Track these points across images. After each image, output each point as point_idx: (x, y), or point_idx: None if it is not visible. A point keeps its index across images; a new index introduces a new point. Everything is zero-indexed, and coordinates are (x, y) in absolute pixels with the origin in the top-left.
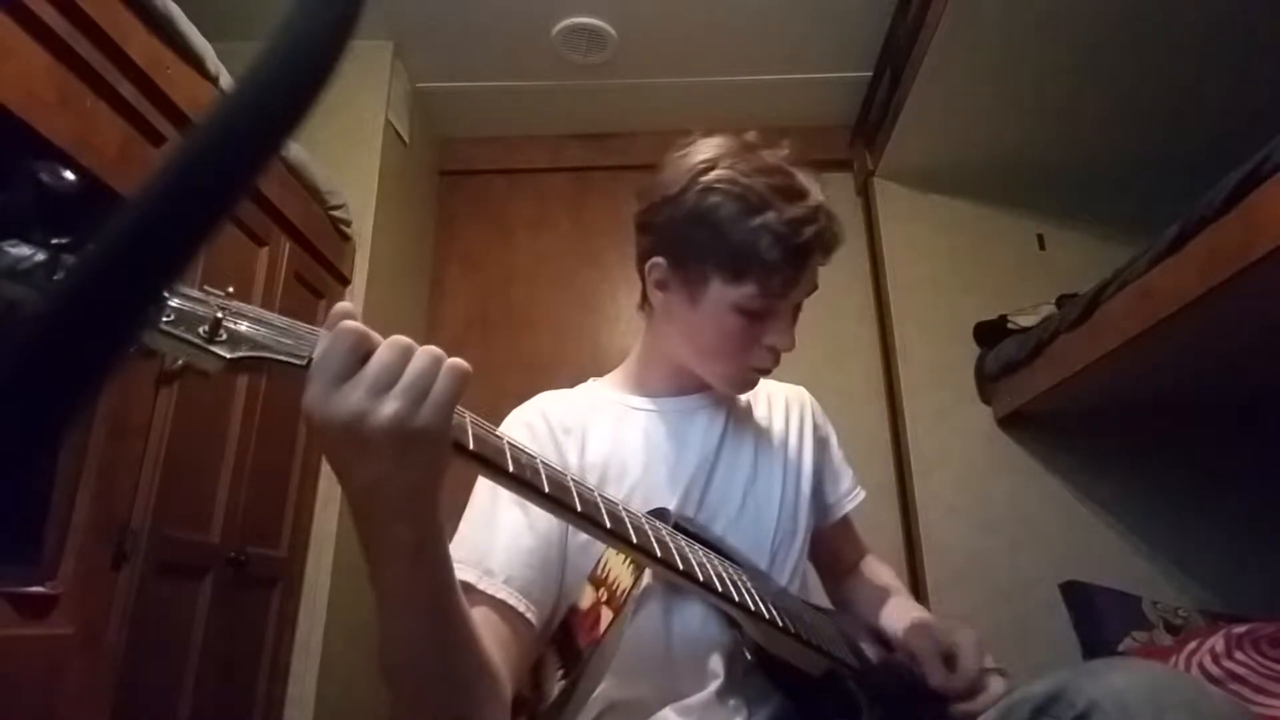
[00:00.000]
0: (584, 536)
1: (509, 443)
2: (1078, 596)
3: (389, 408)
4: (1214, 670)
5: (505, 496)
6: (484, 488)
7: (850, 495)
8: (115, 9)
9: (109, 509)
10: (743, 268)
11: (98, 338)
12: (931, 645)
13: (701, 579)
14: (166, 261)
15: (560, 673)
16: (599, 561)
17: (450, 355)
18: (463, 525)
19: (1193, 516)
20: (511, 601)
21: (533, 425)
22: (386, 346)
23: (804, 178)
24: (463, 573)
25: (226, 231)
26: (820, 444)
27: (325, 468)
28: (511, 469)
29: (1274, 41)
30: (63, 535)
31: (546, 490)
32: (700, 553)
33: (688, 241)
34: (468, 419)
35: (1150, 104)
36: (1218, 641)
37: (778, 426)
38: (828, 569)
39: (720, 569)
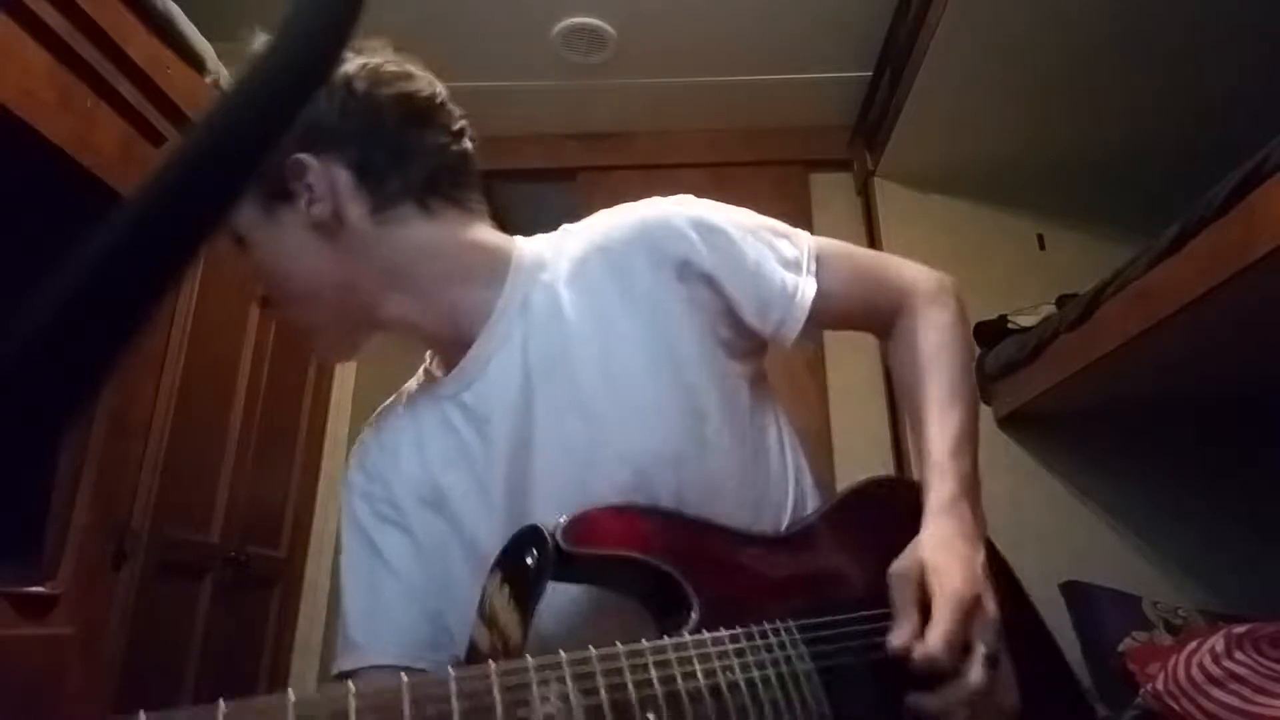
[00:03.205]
0: (458, 565)
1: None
2: (1078, 596)
3: None
4: (1214, 670)
5: (351, 551)
6: (342, 563)
7: (790, 304)
8: (115, 9)
9: (109, 509)
10: None
11: (100, 335)
12: (911, 594)
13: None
14: (167, 261)
15: None
16: (483, 596)
17: None
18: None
19: (1193, 516)
20: (398, 662)
21: (355, 511)
22: None
23: None
24: (340, 663)
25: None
26: (699, 283)
27: (325, 466)
28: None
29: (1275, 41)
30: (63, 535)
31: None
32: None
33: None
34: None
35: (1150, 104)
36: (1218, 641)
37: (604, 312)
38: (873, 330)
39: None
